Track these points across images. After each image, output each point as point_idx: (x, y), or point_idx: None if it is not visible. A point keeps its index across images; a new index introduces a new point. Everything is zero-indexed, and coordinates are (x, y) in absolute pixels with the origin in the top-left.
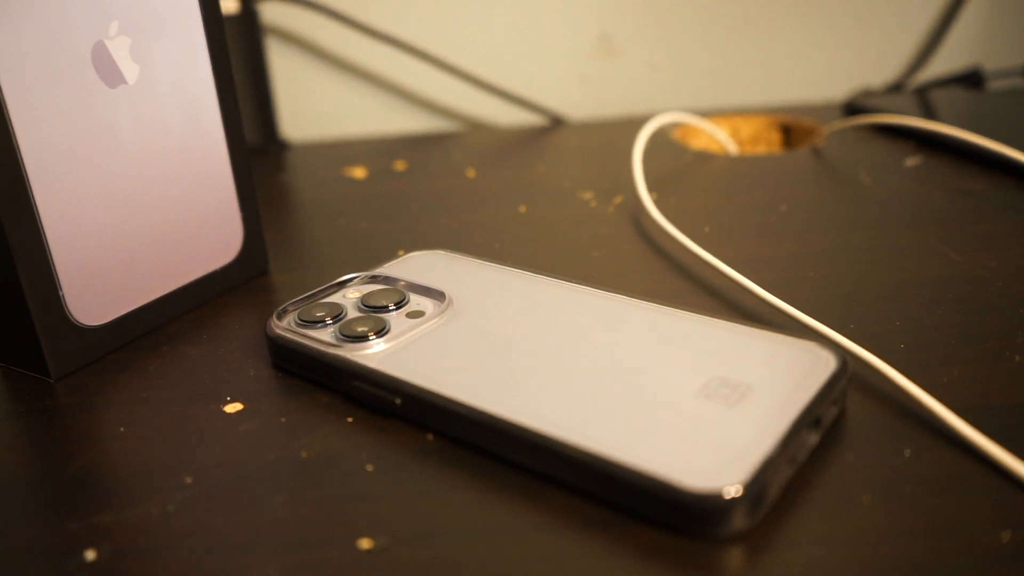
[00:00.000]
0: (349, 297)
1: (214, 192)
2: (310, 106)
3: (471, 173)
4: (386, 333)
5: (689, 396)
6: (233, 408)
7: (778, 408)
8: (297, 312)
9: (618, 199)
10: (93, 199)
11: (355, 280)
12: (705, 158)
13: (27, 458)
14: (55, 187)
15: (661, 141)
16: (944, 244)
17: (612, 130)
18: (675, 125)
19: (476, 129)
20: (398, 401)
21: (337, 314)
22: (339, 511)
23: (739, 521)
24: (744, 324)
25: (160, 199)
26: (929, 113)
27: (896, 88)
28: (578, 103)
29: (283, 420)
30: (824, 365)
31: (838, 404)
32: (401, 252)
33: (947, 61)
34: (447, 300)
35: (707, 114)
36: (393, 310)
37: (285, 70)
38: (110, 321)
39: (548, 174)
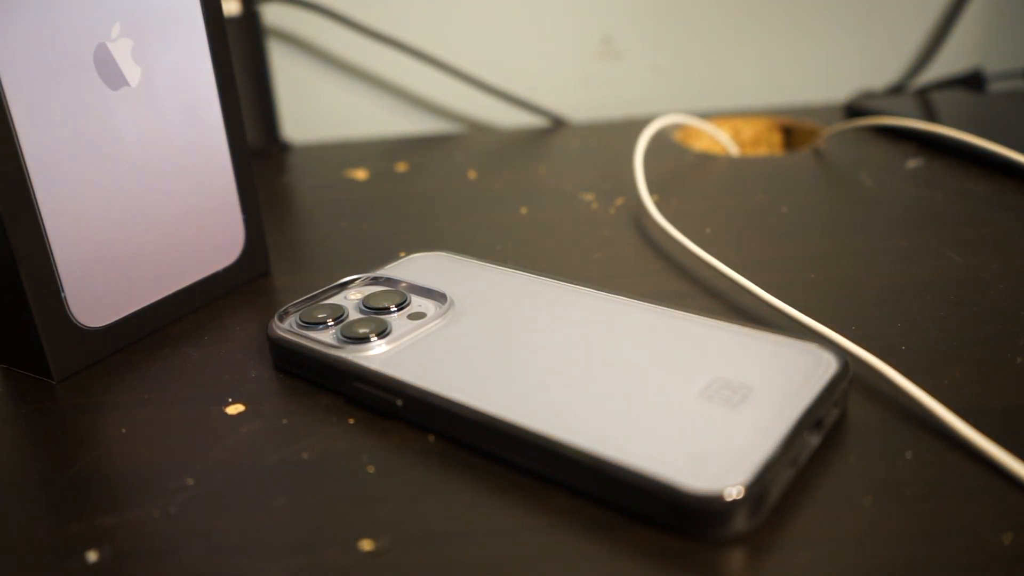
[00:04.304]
0: (350, 299)
1: (216, 193)
2: (312, 107)
3: (472, 175)
4: (387, 335)
5: (690, 398)
6: (234, 410)
7: (779, 410)
8: (298, 313)
9: (619, 201)
10: (95, 201)
11: (356, 282)
12: (706, 160)
13: (28, 459)
14: (57, 188)
15: (662, 143)
16: (945, 246)
17: (613, 132)
18: (676, 127)
19: (477, 131)
20: (399, 403)
21: (338, 316)
22: (340, 513)
23: (740, 523)
24: (745, 326)
25: (162, 200)
26: (930, 115)
27: (897, 90)
28: (579, 105)
29: (284, 422)
30: (825, 367)
31: (839, 406)
32: (402, 254)
33: (948, 63)
34: (448, 302)
35: (708, 116)
36: (394, 312)
37: (287, 72)
38: (112, 322)
39: (549, 176)
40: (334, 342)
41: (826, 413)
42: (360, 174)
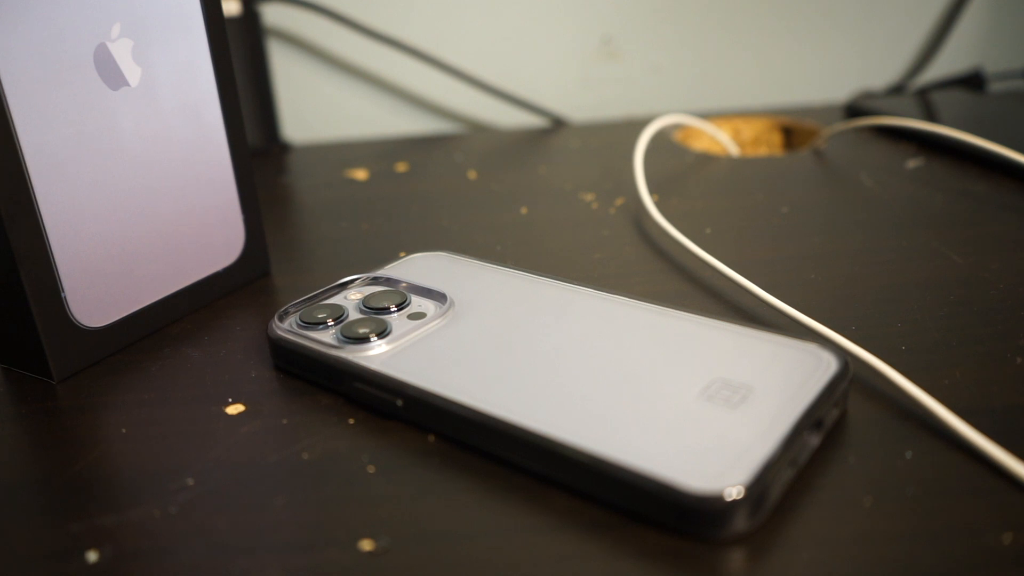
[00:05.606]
0: (351, 299)
1: (216, 194)
2: (311, 108)
3: (472, 175)
4: (387, 335)
5: (691, 398)
6: (235, 410)
7: (779, 410)
8: (299, 314)
9: (619, 201)
10: (95, 201)
11: (357, 282)
12: (706, 160)
13: (29, 460)
14: (57, 189)
15: (662, 143)
16: (945, 246)
17: (613, 132)
18: (676, 127)
19: (478, 131)
20: (399, 403)
21: (339, 316)
22: (340, 513)
23: (740, 523)
24: (745, 326)
25: (162, 201)
26: (930, 115)
27: (897, 90)
28: (579, 105)
29: (284, 422)
30: (825, 367)
31: (839, 406)
32: (403, 254)
33: (948, 63)
34: (448, 302)
35: (708, 116)
36: (394, 312)
37: (287, 72)
38: (112, 323)
39: (550, 176)
40: (334, 342)
41: (826, 413)
42: (360, 174)
